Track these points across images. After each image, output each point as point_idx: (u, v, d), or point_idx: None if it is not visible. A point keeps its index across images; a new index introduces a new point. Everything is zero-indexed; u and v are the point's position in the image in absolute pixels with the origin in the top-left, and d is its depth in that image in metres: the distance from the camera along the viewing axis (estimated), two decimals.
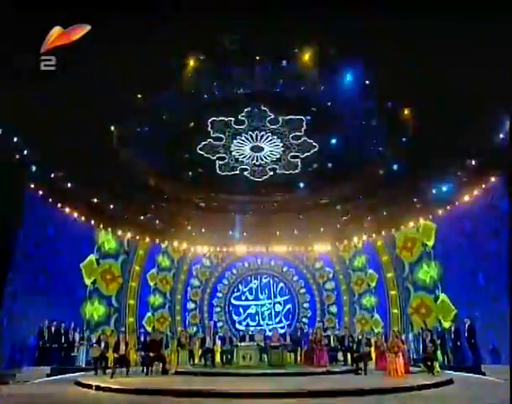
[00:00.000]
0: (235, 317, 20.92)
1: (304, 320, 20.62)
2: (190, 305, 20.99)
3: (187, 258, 20.96)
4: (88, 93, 9.64)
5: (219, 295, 21.30)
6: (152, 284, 19.65)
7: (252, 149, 15.21)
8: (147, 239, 18.47)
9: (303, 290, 21.14)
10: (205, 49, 10.02)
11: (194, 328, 19.88)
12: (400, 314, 17.46)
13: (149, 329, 18.15)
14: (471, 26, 8.11)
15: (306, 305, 20.98)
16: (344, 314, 20.24)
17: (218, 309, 21.11)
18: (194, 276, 21.26)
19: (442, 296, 15.31)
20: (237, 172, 16.22)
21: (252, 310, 20.94)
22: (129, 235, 17.76)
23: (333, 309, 20.84)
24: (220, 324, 20.53)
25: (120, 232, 17.42)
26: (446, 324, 14.70)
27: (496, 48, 8.23)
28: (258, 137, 14.72)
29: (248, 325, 20.39)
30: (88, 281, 16.46)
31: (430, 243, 15.98)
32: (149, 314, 19.29)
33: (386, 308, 18.16)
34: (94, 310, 16.72)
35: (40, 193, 13.30)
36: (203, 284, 21.34)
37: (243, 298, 21.20)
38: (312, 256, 21.17)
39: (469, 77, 9.10)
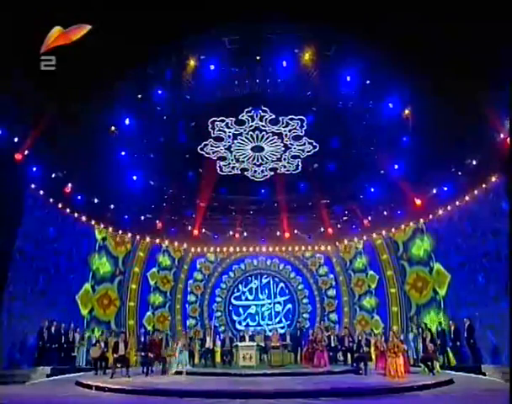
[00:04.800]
0: (235, 317, 20.87)
1: (304, 320, 20.52)
2: (191, 322, 20.72)
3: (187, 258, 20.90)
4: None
5: (222, 285, 21.16)
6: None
7: (252, 149, 15.22)
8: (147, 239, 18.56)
9: (303, 290, 21.05)
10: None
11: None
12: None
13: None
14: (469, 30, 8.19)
15: (306, 306, 20.88)
16: (343, 315, 20.21)
17: (219, 299, 20.96)
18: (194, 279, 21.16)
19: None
20: (238, 172, 16.26)
21: (252, 311, 20.90)
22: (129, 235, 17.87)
23: (333, 298, 20.77)
24: (217, 314, 20.46)
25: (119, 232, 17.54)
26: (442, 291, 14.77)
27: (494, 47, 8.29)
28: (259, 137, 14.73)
29: (248, 325, 20.33)
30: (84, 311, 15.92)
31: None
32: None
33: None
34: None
35: (41, 193, 13.30)
36: (205, 279, 21.26)
37: (243, 298, 21.15)
38: (312, 257, 21.20)
39: (469, 77, 9.14)
